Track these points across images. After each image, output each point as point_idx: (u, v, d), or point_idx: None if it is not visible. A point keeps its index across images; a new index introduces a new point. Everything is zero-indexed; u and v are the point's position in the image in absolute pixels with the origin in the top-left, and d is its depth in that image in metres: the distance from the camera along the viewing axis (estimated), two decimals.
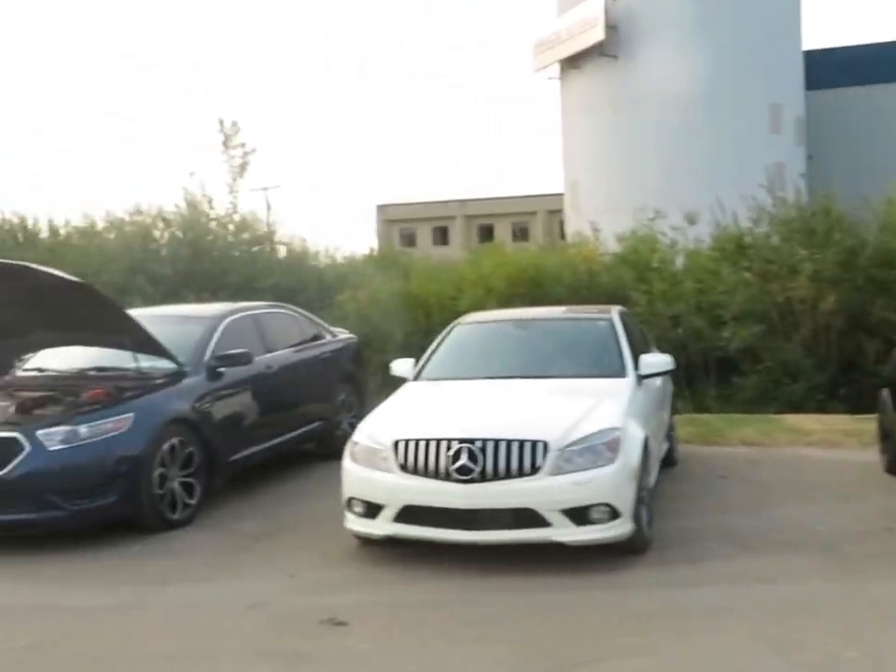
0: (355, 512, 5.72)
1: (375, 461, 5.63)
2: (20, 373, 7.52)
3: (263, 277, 15.72)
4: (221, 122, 18.16)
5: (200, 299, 13.91)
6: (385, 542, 5.68)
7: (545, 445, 5.29)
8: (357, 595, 5.19)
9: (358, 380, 9.56)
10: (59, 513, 6.10)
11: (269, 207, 20.75)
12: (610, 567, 5.37)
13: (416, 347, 13.59)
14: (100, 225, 17.66)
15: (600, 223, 16.44)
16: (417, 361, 7.11)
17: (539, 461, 5.27)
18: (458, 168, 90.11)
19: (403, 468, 5.49)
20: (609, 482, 5.29)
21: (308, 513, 6.97)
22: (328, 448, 8.84)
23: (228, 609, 5.03)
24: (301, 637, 4.61)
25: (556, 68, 29.49)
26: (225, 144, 17.95)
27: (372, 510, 5.60)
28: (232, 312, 8.05)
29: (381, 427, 5.85)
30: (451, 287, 14.84)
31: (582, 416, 5.58)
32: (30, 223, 17.56)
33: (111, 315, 6.63)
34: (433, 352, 7.09)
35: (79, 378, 7.13)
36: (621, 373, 6.45)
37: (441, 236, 42.66)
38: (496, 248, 16.46)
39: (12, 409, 6.47)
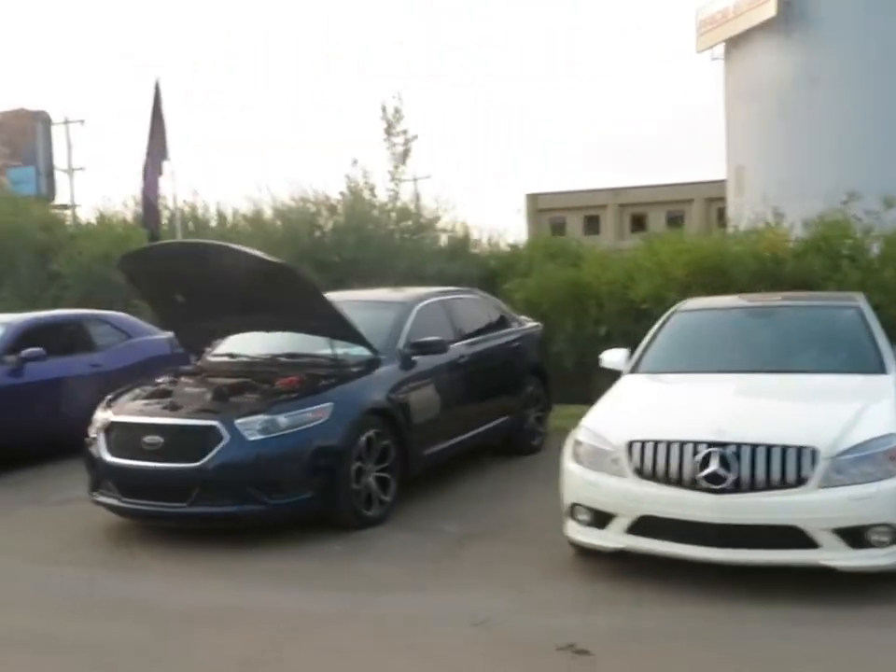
0: (579, 521, 5.05)
1: (603, 463, 4.95)
2: (210, 359, 7.23)
3: (427, 265, 15.33)
4: (384, 109, 17.85)
5: (365, 286, 13.61)
6: (609, 555, 4.99)
7: (814, 452, 4.48)
8: (591, 618, 4.52)
9: (545, 371, 8.90)
10: (258, 508, 5.71)
11: (417, 196, 20.40)
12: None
13: (586, 338, 12.90)
14: (267, 213, 17.68)
15: (771, 209, 15.20)
16: (631, 351, 6.38)
17: (806, 471, 4.46)
18: (610, 156, 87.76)
19: (639, 472, 4.79)
20: (893, 498, 4.42)
21: (509, 516, 6.36)
22: (513, 444, 8.25)
23: (451, 626, 4.46)
24: (544, 668, 3.99)
25: (720, 49, 27.93)
26: (387, 131, 17.64)
27: (601, 519, 4.92)
28: (424, 297, 7.53)
29: (608, 425, 5.16)
30: (623, 275, 13.99)
31: (852, 419, 4.72)
32: (200, 211, 17.76)
33: (311, 300, 6.21)
34: (650, 342, 6.33)
35: (271, 364, 6.76)
36: (880, 369, 5.53)
37: (592, 225, 41.48)
38: (674, 234, 15.43)
39: (209, 396, 6.14)
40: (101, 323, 9.40)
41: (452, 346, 7.22)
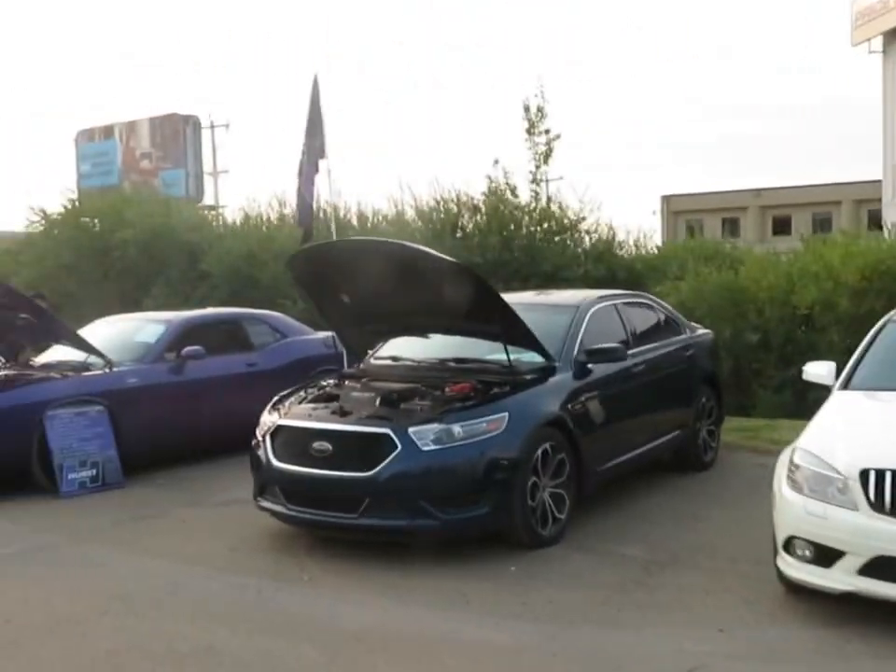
0: (797, 556, 4.43)
1: (828, 493, 4.32)
2: (372, 362, 6.91)
3: (572, 267, 14.78)
4: (527, 108, 17.36)
5: (509, 288, 13.17)
6: (830, 597, 4.36)
7: None
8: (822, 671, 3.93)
9: (718, 381, 8.22)
10: (431, 522, 5.32)
11: (549, 198, 19.81)
12: None
13: (743, 345, 12.06)
14: (409, 213, 17.48)
15: None
16: (838, 365, 5.67)
17: None
18: (748, 156, 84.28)
19: (876, 506, 4.15)
20: None
21: (695, 542, 5.76)
22: (685, 460, 7.62)
23: (663, 670, 3.95)
24: None
25: (878, 41, 26.20)
26: (529, 131, 17.14)
27: (826, 556, 4.28)
28: (597, 300, 7.00)
29: (831, 448, 4.51)
30: (784, 279, 13.07)
31: None
32: (341, 212, 17.72)
33: (487, 302, 5.79)
34: (862, 355, 5.61)
35: (438, 369, 6.37)
36: None
37: (731, 228, 39.85)
38: (843, 237, 14.35)
39: (377, 401, 5.80)
40: (257, 322, 9.28)
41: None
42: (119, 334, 8.58)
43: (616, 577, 5.16)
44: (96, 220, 17.42)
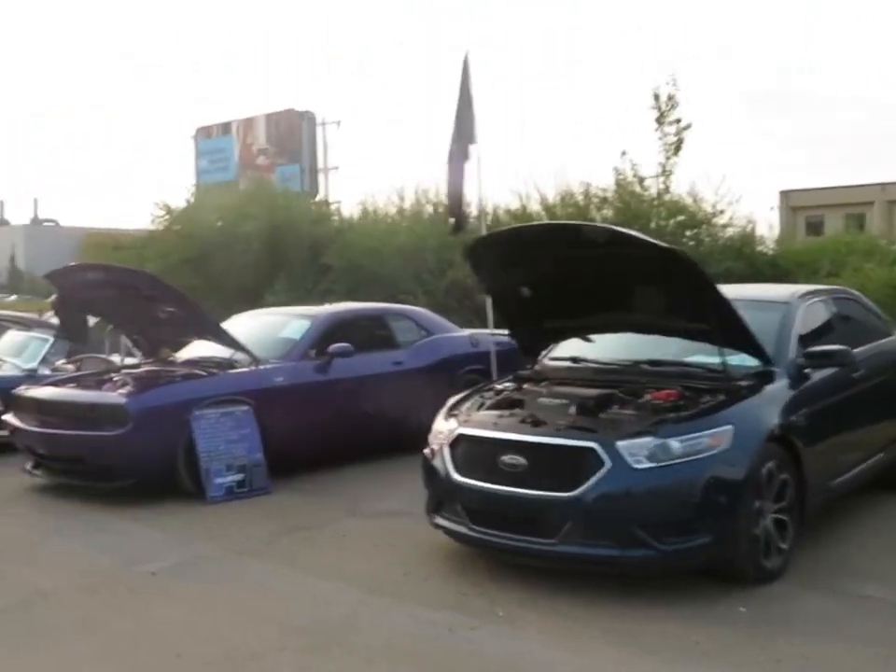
0: None
1: None
2: (548, 363, 6.12)
3: (710, 263, 13.71)
4: (656, 96, 16.31)
5: None
6: None
7: None
8: None
9: None
10: (646, 553, 4.48)
11: (666, 188, 18.66)
12: None
13: None
14: (533, 207, 16.67)
15: None
16: None
17: None
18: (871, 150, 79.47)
19: None
20: None
21: None
22: None
23: None
24: None
25: None
26: (659, 120, 16.09)
27: None
28: (806, 295, 6.04)
29: None
30: None
31: None
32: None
33: (702, 295, 4.93)
34: None
35: (631, 373, 5.54)
36: None
37: (856, 224, 37.63)
38: None
39: (572, 409, 5.01)
40: (402, 318, 8.60)
41: None
42: (262, 329, 8.01)
43: (873, 626, 4.25)
44: (218, 215, 17.18)
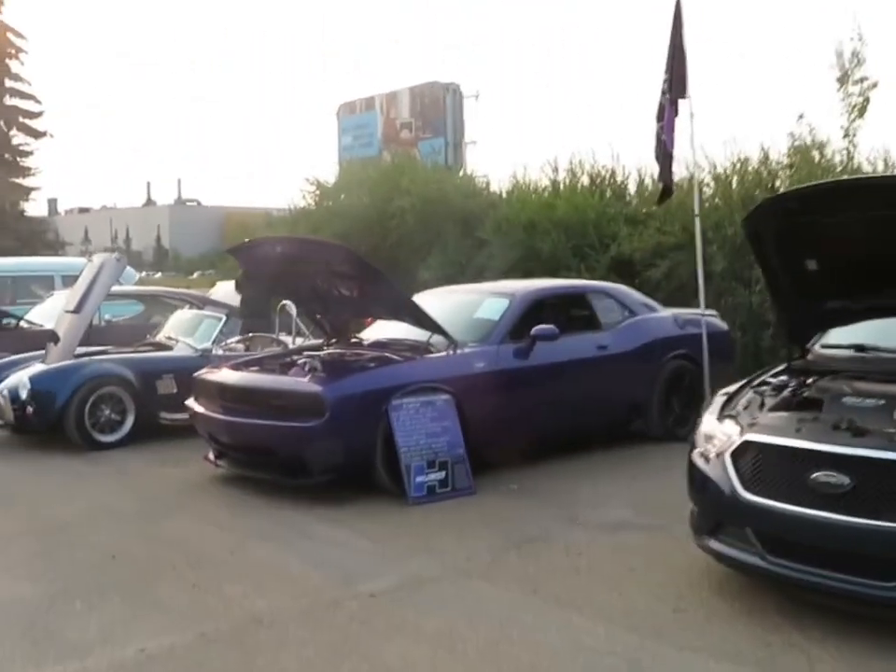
0: None
1: None
2: (822, 351, 4.97)
3: None
4: (839, 54, 14.55)
5: None
6: None
7: None
8: None
9: None
10: None
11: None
12: None
13: None
14: (698, 176, 15.21)
15: None
16: None
17: None
18: None
19: None
20: None
21: None
22: None
23: None
24: None
25: None
26: (841, 80, 14.34)
27: None
28: None
29: None
30: None
31: None
32: (619, 178, 15.80)
33: None
34: None
35: None
36: None
37: None
38: None
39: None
40: (604, 296, 7.54)
41: None
42: (453, 309, 7.12)
43: None
44: (368, 190, 16.48)
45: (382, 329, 7.26)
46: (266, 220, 19.11)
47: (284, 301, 9.72)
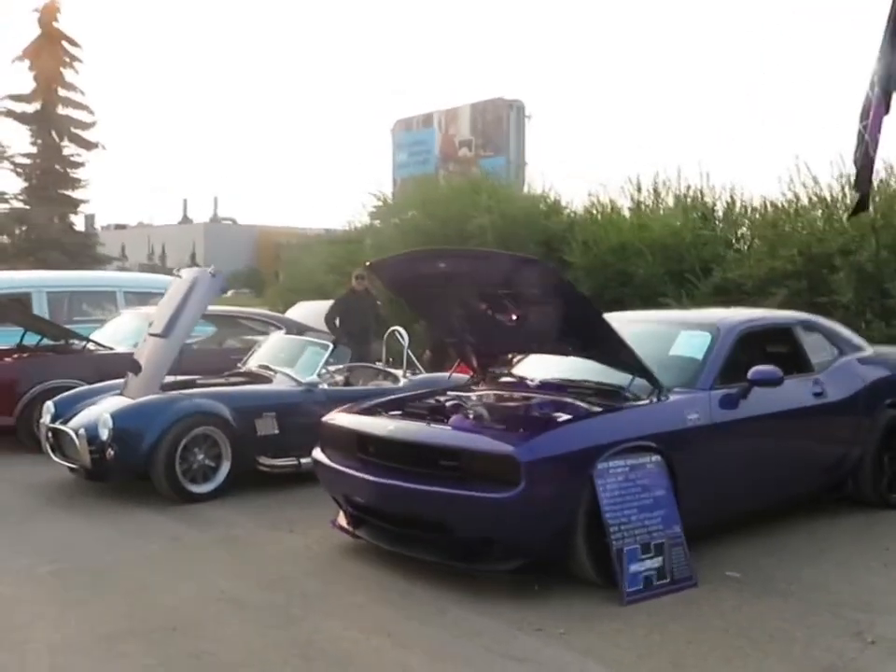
0: None
1: None
2: None
3: None
4: None
5: None
6: None
7: None
8: None
9: None
10: None
11: None
12: None
13: None
14: (804, 199, 13.69)
15: None
16: None
17: None
18: None
19: None
20: None
21: None
22: None
23: None
24: None
25: None
26: None
27: None
28: None
29: None
30: None
31: None
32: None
33: None
34: None
35: None
36: None
37: None
38: None
39: None
40: (812, 331, 6.03)
41: None
42: (639, 343, 5.58)
43: None
44: (444, 207, 15.06)
45: (540, 366, 5.78)
46: (314, 240, 17.75)
47: (393, 328, 8.32)
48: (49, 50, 23.46)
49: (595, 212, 15.70)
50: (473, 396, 5.46)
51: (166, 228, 58.04)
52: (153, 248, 52.05)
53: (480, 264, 4.93)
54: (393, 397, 5.71)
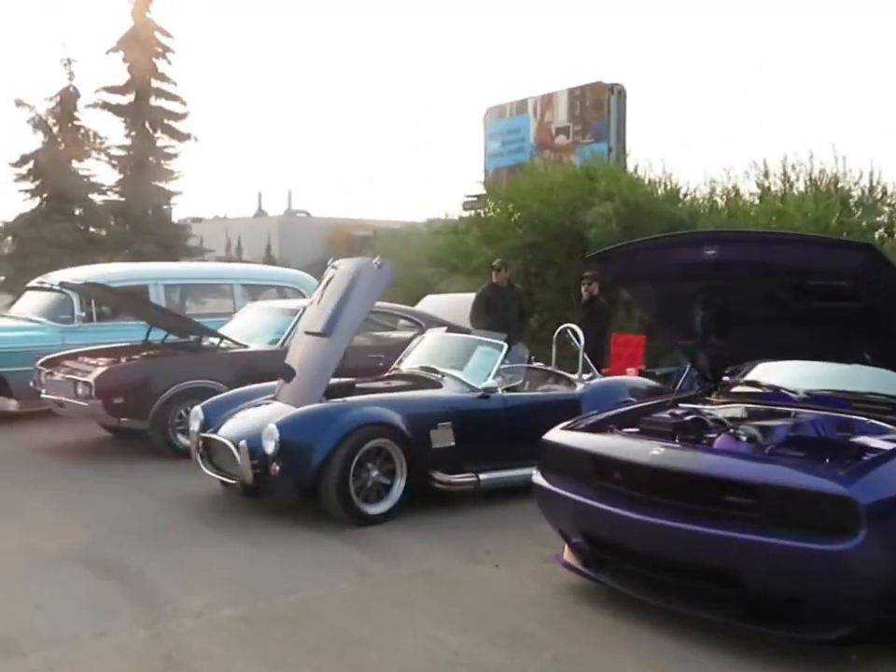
0: None
1: None
2: None
3: None
4: None
5: None
6: None
7: None
8: None
9: None
10: None
11: None
12: None
13: None
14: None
15: None
16: None
17: None
18: None
19: None
20: None
21: None
22: None
23: None
24: None
25: None
26: None
27: None
28: None
29: None
30: None
31: None
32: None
33: None
34: None
35: None
36: None
37: None
38: None
39: None
40: None
41: None
42: None
43: None
44: (559, 196, 14.03)
45: (783, 374, 4.75)
46: (432, 229, 16.87)
47: (566, 325, 7.35)
48: (142, 41, 23.04)
49: (719, 198, 14.57)
50: (719, 410, 4.46)
51: (241, 220, 57.90)
52: (230, 241, 51.83)
53: (780, 249, 3.92)
54: (617, 411, 4.74)
